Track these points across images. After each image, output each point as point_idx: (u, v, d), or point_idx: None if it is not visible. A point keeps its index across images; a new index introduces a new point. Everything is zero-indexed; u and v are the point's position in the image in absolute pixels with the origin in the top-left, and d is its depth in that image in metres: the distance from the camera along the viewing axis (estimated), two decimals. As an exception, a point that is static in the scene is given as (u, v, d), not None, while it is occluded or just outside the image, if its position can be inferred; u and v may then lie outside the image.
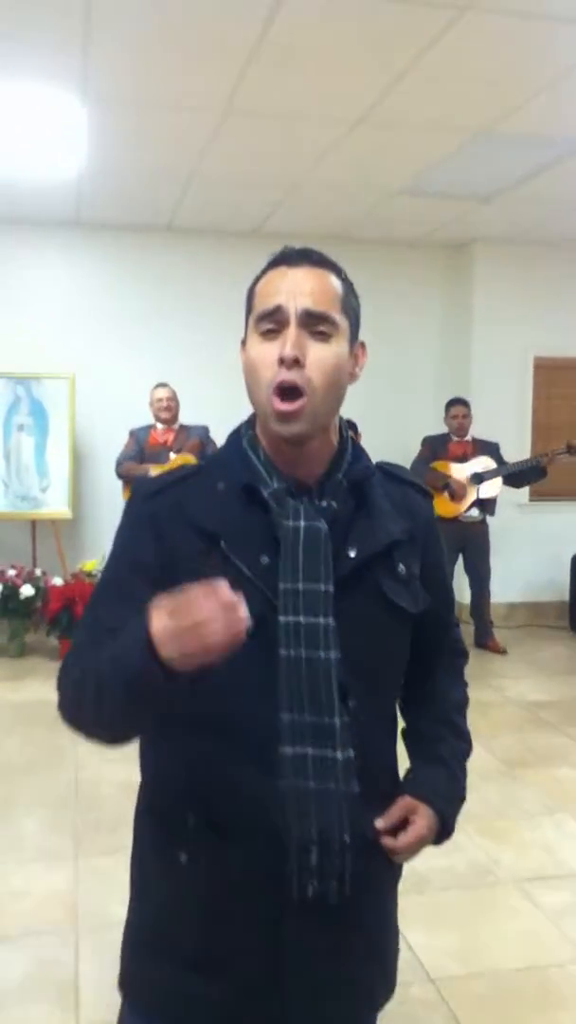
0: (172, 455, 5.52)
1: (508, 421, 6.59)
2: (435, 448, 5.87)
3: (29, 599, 5.52)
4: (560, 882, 2.98)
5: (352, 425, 5.70)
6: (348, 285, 1.21)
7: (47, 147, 4.69)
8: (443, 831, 1.26)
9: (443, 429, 5.97)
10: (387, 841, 1.18)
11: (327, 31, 3.37)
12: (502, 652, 5.86)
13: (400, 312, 6.77)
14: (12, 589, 5.54)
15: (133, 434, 5.67)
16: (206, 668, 0.98)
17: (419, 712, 1.33)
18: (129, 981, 1.24)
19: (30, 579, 5.62)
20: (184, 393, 5.73)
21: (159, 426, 5.66)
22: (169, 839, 1.17)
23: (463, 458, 5.80)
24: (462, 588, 6.03)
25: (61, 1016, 2.28)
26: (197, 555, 1.12)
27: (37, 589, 5.54)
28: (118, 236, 6.27)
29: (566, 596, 6.66)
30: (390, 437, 6.03)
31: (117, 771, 3.30)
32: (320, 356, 1.13)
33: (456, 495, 5.71)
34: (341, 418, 1.25)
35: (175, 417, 5.67)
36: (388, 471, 1.29)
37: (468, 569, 5.95)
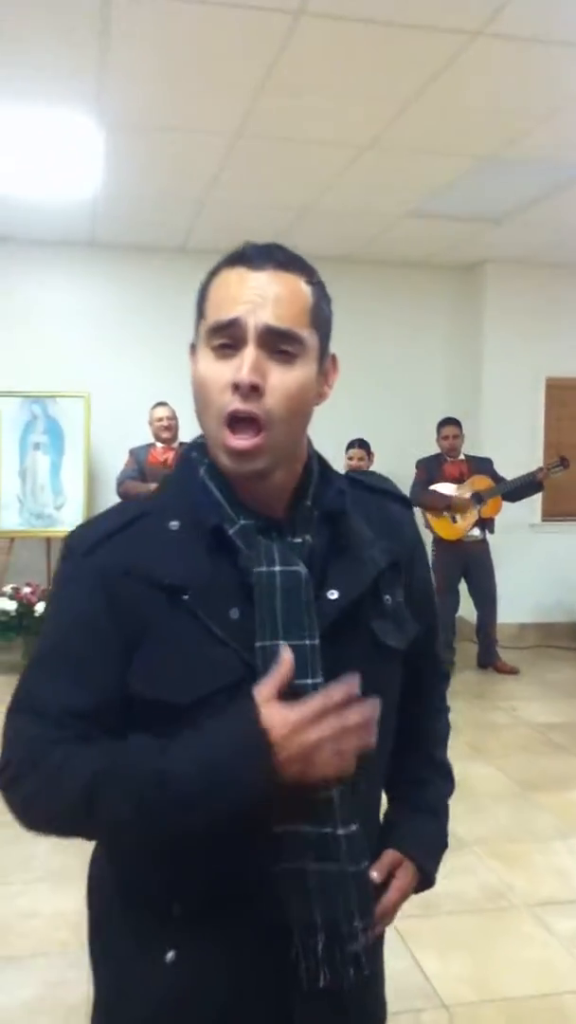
0: None
1: (520, 442, 6.59)
2: (430, 470, 5.85)
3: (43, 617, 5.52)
4: (574, 908, 2.94)
5: (365, 445, 5.77)
6: (319, 289, 1.03)
7: (64, 170, 4.75)
8: (424, 883, 1.16)
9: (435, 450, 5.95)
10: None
11: (337, 58, 3.41)
12: (511, 672, 5.80)
13: (411, 333, 6.80)
14: (27, 607, 5.56)
15: (133, 453, 5.71)
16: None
17: (403, 749, 1.16)
18: None
19: (45, 597, 5.64)
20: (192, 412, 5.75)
21: (159, 445, 5.69)
22: (151, 935, 1.00)
23: (459, 479, 5.78)
24: (468, 609, 6.01)
25: (69, 1038, 2.26)
26: (162, 615, 0.96)
27: (50, 607, 5.54)
28: (133, 257, 6.33)
29: (577, 617, 6.63)
30: (401, 458, 6.03)
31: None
32: (283, 382, 0.96)
33: (458, 517, 5.68)
34: (307, 438, 1.10)
35: (175, 436, 5.69)
36: (360, 482, 1.15)
37: (473, 590, 5.90)
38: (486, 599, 5.86)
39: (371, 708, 0.90)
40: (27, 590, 5.66)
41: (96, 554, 1.00)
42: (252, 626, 0.96)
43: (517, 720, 4.93)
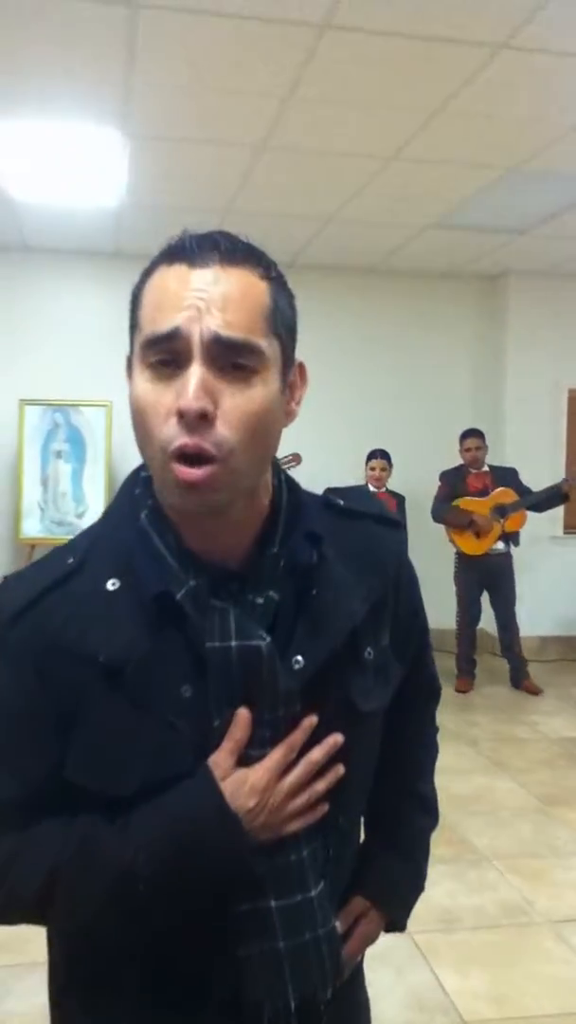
0: None
1: (542, 453, 6.55)
2: (453, 483, 5.72)
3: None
4: (595, 925, 2.91)
5: (386, 455, 5.74)
6: (278, 285, 0.84)
7: (89, 180, 4.80)
8: (392, 927, 1.09)
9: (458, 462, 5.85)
10: None
11: (363, 70, 3.42)
12: (537, 693, 5.67)
13: (433, 344, 6.78)
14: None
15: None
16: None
17: (384, 778, 1.05)
18: None
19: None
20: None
21: None
22: (105, 1006, 0.92)
23: (483, 491, 5.66)
24: (490, 623, 5.96)
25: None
26: (99, 694, 0.84)
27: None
28: (156, 268, 6.37)
29: (601, 630, 6.57)
30: (423, 469, 6.02)
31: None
32: (239, 405, 0.78)
33: (482, 532, 5.60)
34: (276, 463, 0.92)
35: None
36: (340, 508, 0.98)
37: (494, 603, 5.80)
38: (506, 615, 5.73)
39: (332, 742, 0.87)
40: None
41: (21, 624, 0.85)
42: (207, 703, 0.83)
43: (539, 734, 4.88)
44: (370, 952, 1.10)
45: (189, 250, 0.81)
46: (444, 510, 5.63)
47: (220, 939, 0.86)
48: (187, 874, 0.82)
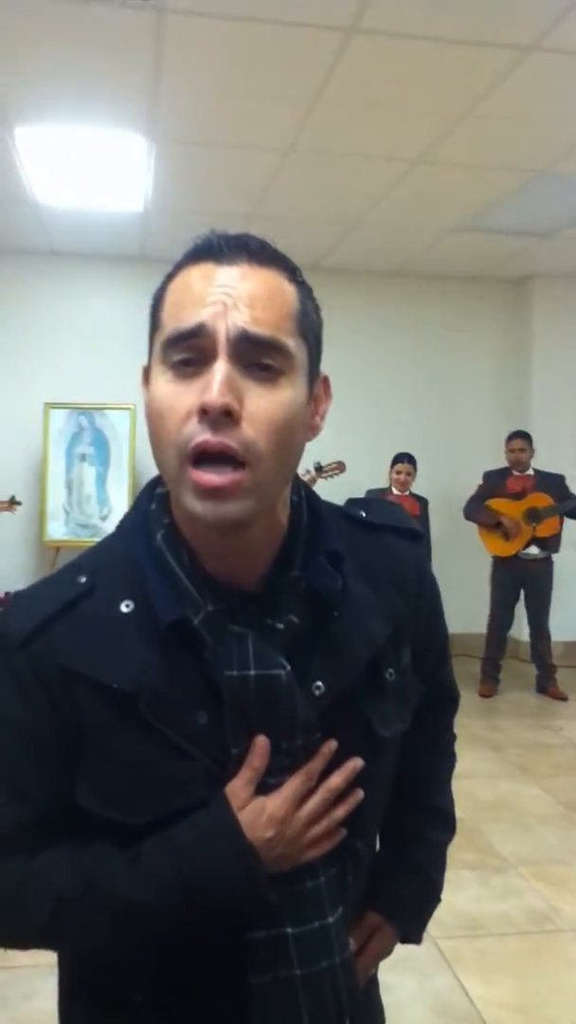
0: None
1: (569, 457, 6.49)
2: (492, 484, 5.70)
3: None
4: (621, 934, 2.88)
5: (412, 460, 5.71)
6: (305, 291, 0.82)
7: (114, 185, 4.83)
8: (407, 940, 1.08)
9: (504, 463, 5.85)
10: None
11: (390, 74, 3.42)
12: (563, 699, 5.62)
13: (458, 347, 6.76)
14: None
15: None
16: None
17: (401, 793, 1.02)
18: None
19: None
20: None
21: None
22: (113, 1021, 0.90)
23: (520, 494, 5.61)
24: (522, 626, 5.92)
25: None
26: (111, 722, 0.81)
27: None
28: (181, 272, 6.39)
29: (627, 636, 6.48)
30: (451, 472, 5.98)
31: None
32: (264, 407, 0.75)
33: (510, 534, 5.55)
34: (298, 479, 0.88)
35: None
36: (360, 521, 0.95)
37: (528, 609, 5.73)
38: (539, 621, 5.66)
39: (352, 767, 0.85)
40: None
41: (30, 647, 0.82)
42: (223, 731, 0.81)
43: (565, 740, 4.84)
44: (393, 957, 1.10)
45: (217, 248, 0.78)
46: (475, 508, 5.61)
47: (233, 965, 0.83)
48: (200, 906, 0.80)
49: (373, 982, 1.08)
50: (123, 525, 0.90)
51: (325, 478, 5.46)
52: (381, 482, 5.77)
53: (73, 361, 6.24)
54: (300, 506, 0.88)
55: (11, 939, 0.89)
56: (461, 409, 6.72)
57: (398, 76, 3.44)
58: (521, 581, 5.64)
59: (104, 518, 6.02)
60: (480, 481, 5.78)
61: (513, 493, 5.63)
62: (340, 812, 0.86)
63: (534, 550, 5.58)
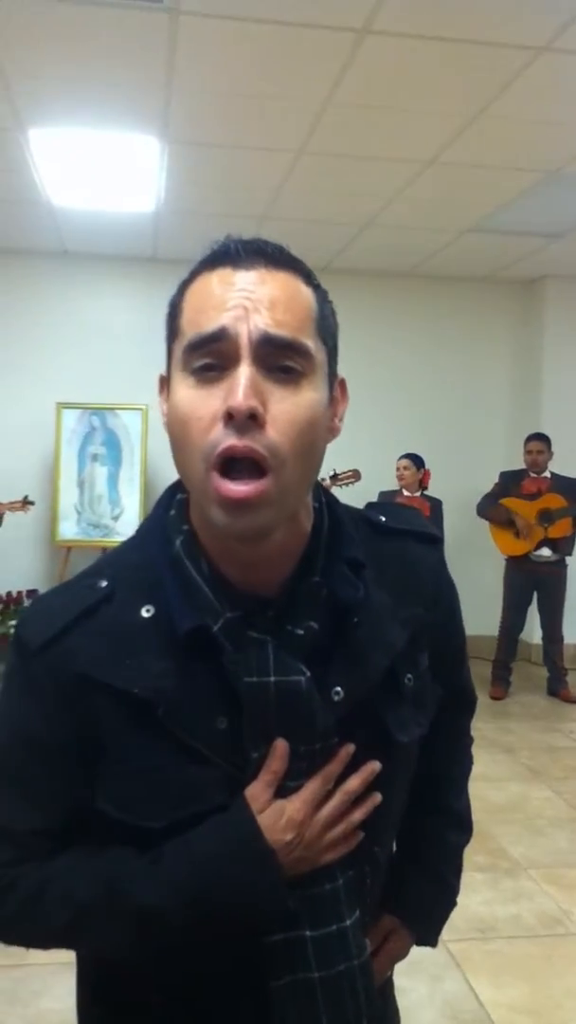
0: None
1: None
2: (508, 484, 5.69)
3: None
4: (633, 937, 2.87)
5: (420, 461, 5.70)
6: (322, 294, 0.82)
7: (127, 186, 4.85)
8: (423, 943, 1.09)
9: (521, 465, 5.81)
10: None
11: (402, 75, 3.41)
12: (574, 702, 5.59)
13: (470, 348, 6.74)
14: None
15: None
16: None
17: (418, 796, 1.02)
18: None
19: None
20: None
21: None
22: (131, 1022, 0.90)
23: (535, 495, 5.59)
24: (534, 628, 5.89)
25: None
26: (130, 727, 0.81)
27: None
28: (193, 272, 6.40)
29: None
30: (460, 476, 5.96)
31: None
32: (288, 410, 0.75)
33: (521, 533, 5.54)
34: (318, 484, 0.88)
35: None
36: (379, 526, 0.95)
37: (541, 612, 5.72)
38: (552, 624, 5.65)
39: (369, 769, 0.86)
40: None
41: (49, 654, 0.83)
42: (242, 736, 0.81)
43: None
44: (403, 960, 1.09)
45: (234, 253, 0.79)
46: (487, 505, 5.60)
47: (251, 968, 0.84)
48: (220, 911, 0.81)
49: (389, 984, 1.08)
50: (142, 531, 0.91)
51: (340, 486, 5.45)
52: (394, 484, 5.76)
53: (85, 361, 6.26)
54: (321, 511, 0.88)
55: (32, 941, 0.90)
56: (473, 410, 6.71)
57: (410, 77, 3.44)
58: (534, 584, 5.63)
59: (116, 518, 6.04)
60: (496, 480, 5.77)
61: (528, 494, 5.61)
62: (358, 815, 0.86)
63: (546, 551, 5.57)
